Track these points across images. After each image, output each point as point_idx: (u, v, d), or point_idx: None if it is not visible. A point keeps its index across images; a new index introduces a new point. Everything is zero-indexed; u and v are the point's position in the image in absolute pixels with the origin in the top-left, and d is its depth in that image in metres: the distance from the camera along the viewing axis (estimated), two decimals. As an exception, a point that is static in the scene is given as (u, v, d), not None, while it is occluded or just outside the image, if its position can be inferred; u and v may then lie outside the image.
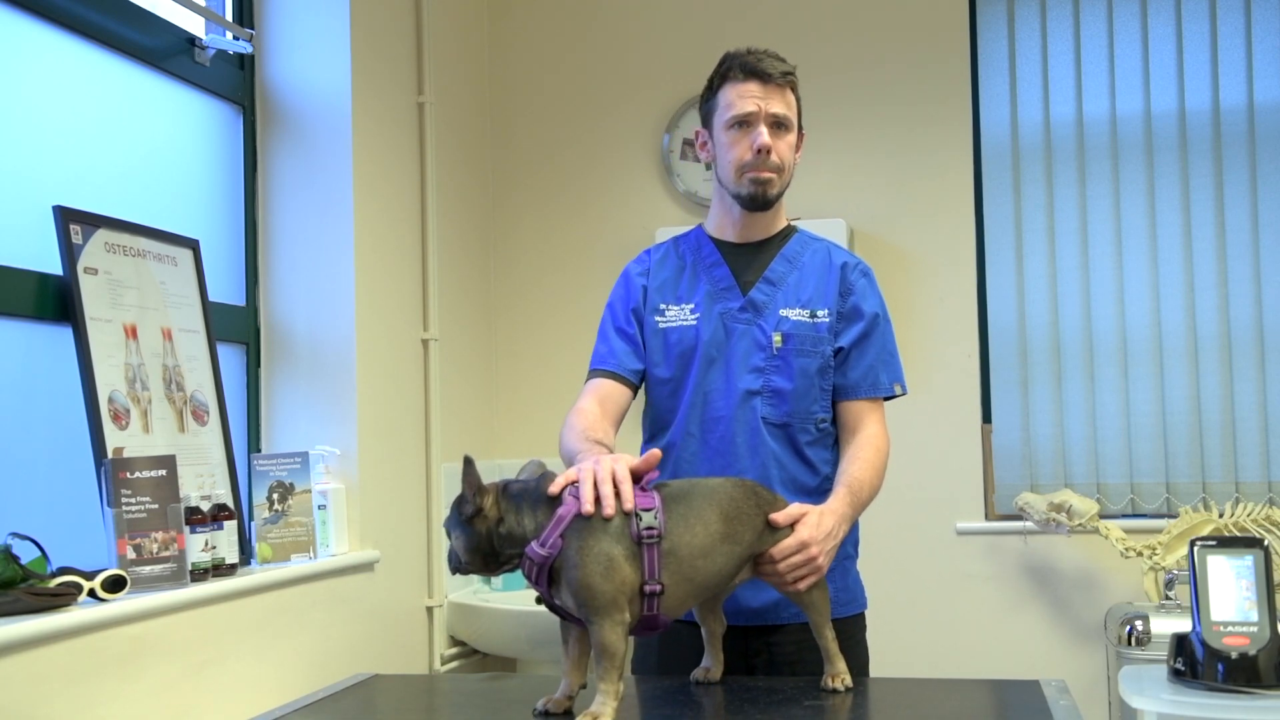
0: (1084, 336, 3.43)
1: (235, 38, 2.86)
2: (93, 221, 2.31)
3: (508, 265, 3.80)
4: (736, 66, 2.08)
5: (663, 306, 2.14)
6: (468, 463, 1.67)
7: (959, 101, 3.54)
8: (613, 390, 2.10)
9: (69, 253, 2.24)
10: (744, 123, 2.06)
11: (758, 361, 2.07)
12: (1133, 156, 3.43)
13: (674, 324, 2.12)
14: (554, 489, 1.69)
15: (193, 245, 2.61)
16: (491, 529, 1.67)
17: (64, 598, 1.93)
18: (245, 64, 2.92)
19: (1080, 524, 3.19)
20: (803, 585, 1.81)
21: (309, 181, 2.93)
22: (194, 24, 2.77)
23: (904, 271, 3.54)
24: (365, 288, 2.94)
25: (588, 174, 3.76)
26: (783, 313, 2.08)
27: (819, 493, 2.04)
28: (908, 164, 3.56)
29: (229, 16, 2.90)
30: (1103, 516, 3.26)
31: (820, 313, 2.09)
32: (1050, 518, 3.21)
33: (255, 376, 2.90)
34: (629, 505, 1.66)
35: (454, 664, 3.28)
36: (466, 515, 1.68)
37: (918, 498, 3.46)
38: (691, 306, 2.12)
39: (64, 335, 2.24)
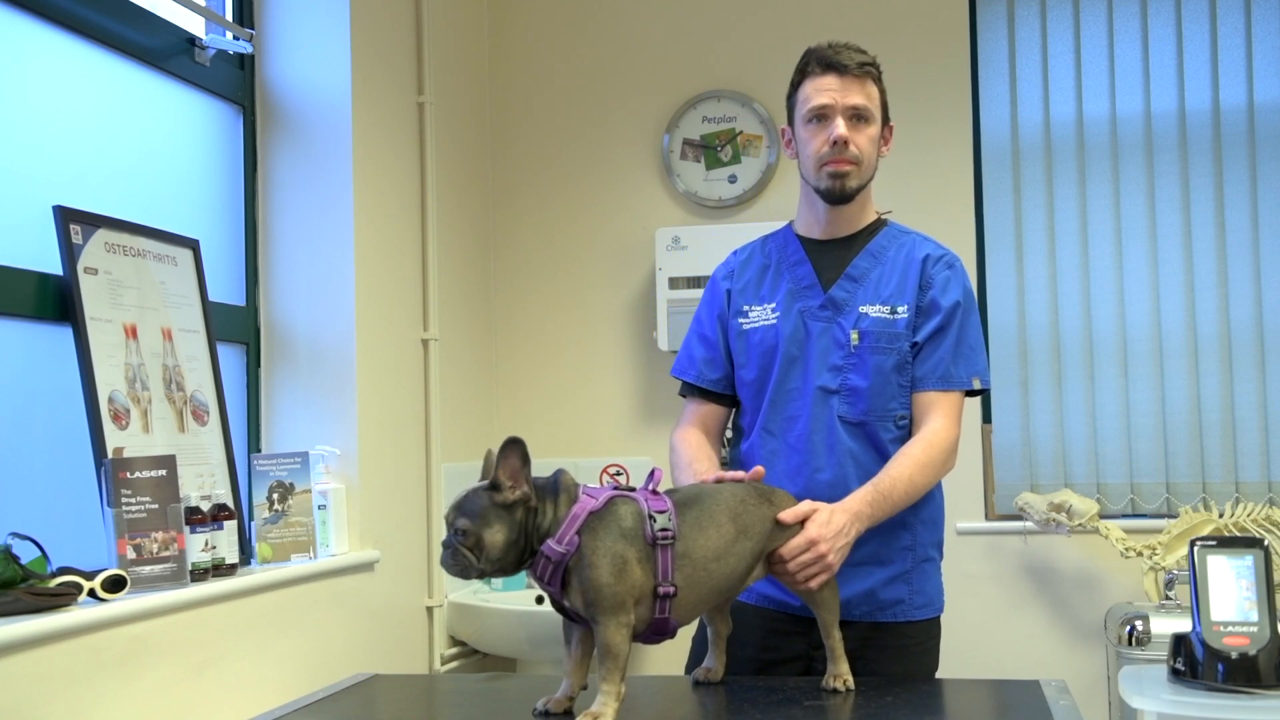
0: (1084, 336, 3.43)
1: (235, 38, 2.86)
2: (93, 221, 2.31)
3: (508, 265, 3.80)
4: (814, 60, 2.07)
5: (746, 308, 2.15)
6: (515, 443, 1.64)
7: (959, 101, 3.54)
8: (706, 409, 2.18)
9: (69, 253, 2.24)
10: (821, 116, 2.05)
11: (836, 360, 2.06)
12: (1133, 156, 3.43)
13: (756, 324, 2.12)
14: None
15: (193, 245, 2.61)
16: (527, 519, 1.66)
17: (64, 598, 1.93)
18: (245, 64, 2.92)
19: (1080, 524, 3.19)
20: (814, 584, 1.81)
21: (309, 181, 2.93)
22: (194, 24, 2.77)
23: (904, 271, 3.53)
24: (365, 288, 2.94)
25: (588, 174, 3.76)
26: (862, 310, 2.07)
27: None
28: (908, 164, 3.56)
29: (229, 16, 2.90)
30: (1103, 516, 3.26)
31: (900, 309, 2.06)
32: (1050, 518, 3.21)
33: (255, 376, 2.90)
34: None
35: (454, 664, 3.28)
36: (508, 501, 1.64)
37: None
38: (773, 306, 2.12)
39: (64, 335, 2.23)
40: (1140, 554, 3.12)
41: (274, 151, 2.95)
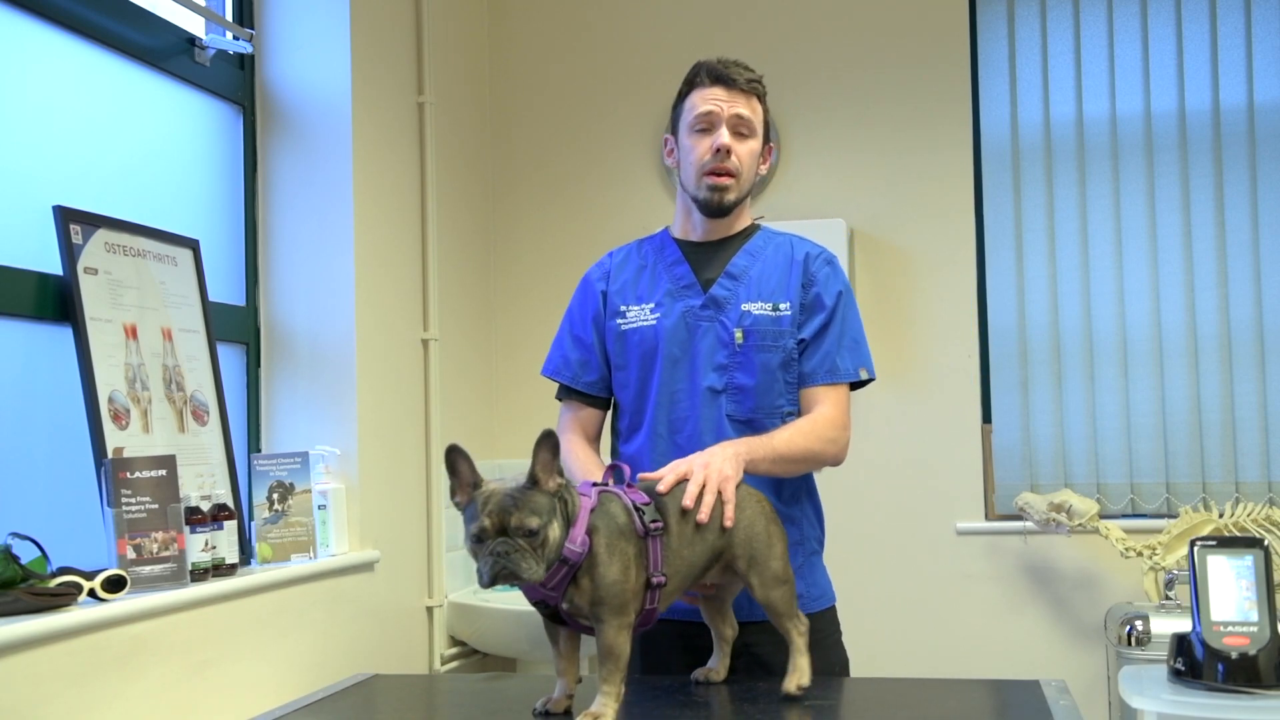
0: (1084, 336, 3.43)
1: (235, 38, 2.86)
2: (93, 221, 2.31)
3: (508, 265, 3.80)
4: (704, 72, 2.12)
5: (623, 309, 2.15)
6: (549, 436, 1.62)
7: (959, 102, 3.54)
8: (584, 413, 2.19)
9: (69, 253, 2.24)
10: (707, 124, 2.09)
11: (721, 359, 2.08)
12: (1133, 156, 3.43)
13: (635, 324, 2.13)
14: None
15: (193, 245, 2.61)
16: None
17: (64, 598, 1.93)
18: (245, 64, 2.92)
19: (1080, 524, 3.19)
20: (728, 517, 1.77)
21: (309, 181, 2.93)
22: (194, 24, 2.77)
23: (904, 271, 3.54)
24: (365, 288, 2.94)
25: (588, 174, 3.76)
26: (745, 307, 2.09)
27: (788, 488, 2.06)
28: (908, 164, 3.56)
29: (229, 16, 2.90)
30: (1103, 516, 3.26)
31: (783, 305, 2.09)
32: (1050, 518, 3.21)
33: (255, 376, 2.90)
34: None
35: (454, 664, 3.28)
36: (551, 494, 1.62)
37: (918, 498, 3.46)
38: (652, 306, 2.13)
39: (64, 335, 2.23)
40: (1140, 554, 3.12)
41: (274, 151, 2.95)
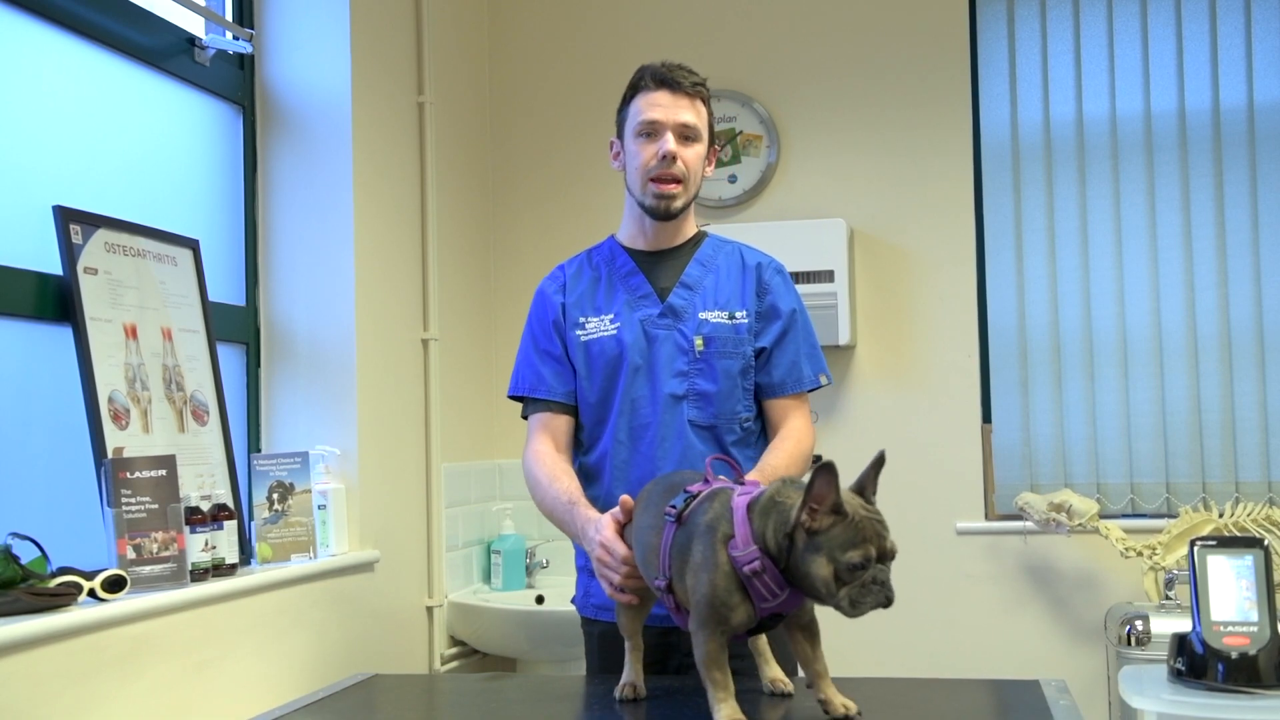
0: (1084, 336, 3.43)
1: (235, 38, 2.86)
2: (93, 221, 2.31)
3: (508, 265, 3.80)
4: (649, 76, 2.13)
5: (582, 320, 2.16)
6: (882, 454, 1.57)
7: (959, 102, 3.54)
8: (556, 421, 2.16)
9: (69, 253, 2.24)
10: (652, 131, 2.11)
11: (681, 365, 2.10)
12: (1133, 156, 3.43)
13: (595, 335, 2.14)
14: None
15: (193, 245, 2.61)
16: None
17: (64, 598, 1.93)
18: (245, 64, 2.92)
19: (1080, 524, 3.19)
20: None
21: (309, 181, 2.93)
22: (194, 24, 2.77)
23: (904, 271, 3.54)
24: (365, 288, 2.94)
25: (588, 174, 3.76)
26: (702, 316, 2.11)
27: None
28: (908, 164, 3.56)
29: (229, 16, 2.90)
30: (1103, 516, 3.26)
31: (739, 314, 2.12)
32: (1050, 518, 3.21)
33: (255, 376, 2.90)
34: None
35: (454, 664, 3.28)
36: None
37: (918, 498, 3.46)
38: (611, 316, 2.14)
39: (64, 335, 2.24)
40: (1140, 554, 3.12)
41: (274, 151, 2.96)
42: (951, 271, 3.52)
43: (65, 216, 2.25)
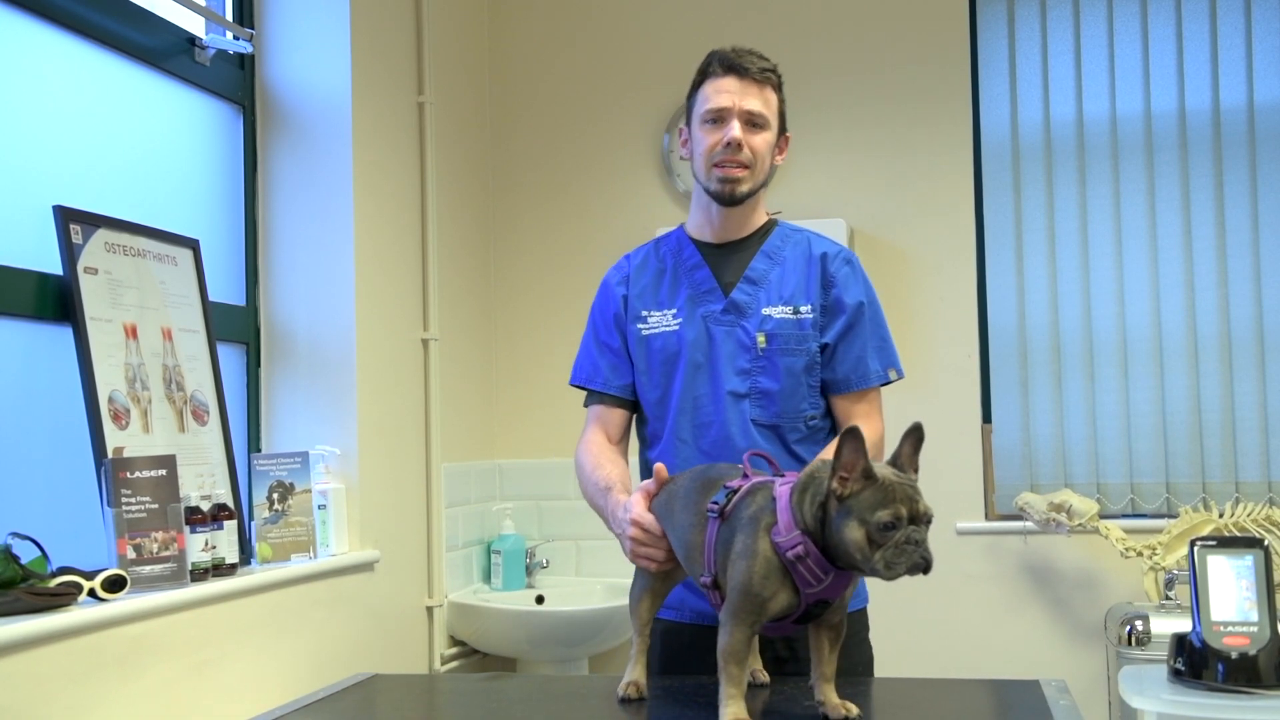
0: (1084, 336, 3.43)
1: (235, 37, 2.86)
2: (93, 221, 2.31)
3: (508, 265, 3.80)
4: (717, 62, 2.07)
5: (645, 314, 2.12)
6: (920, 428, 1.59)
7: (959, 101, 3.54)
8: (611, 414, 2.13)
9: (69, 252, 2.24)
10: (718, 118, 2.04)
11: (743, 363, 2.05)
12: (1133, 156, 3.43)
13: (657, 330, 2.10)
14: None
15: (193, 245, 2.61)
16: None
17: (64, 598, 1.93)
18: (245, 64, 2.92)
19: (1080, 524, 3.19)
20: None
21: (309, 181, 2.93)
22: (194, 24, 2.77)
23: (904, 271, 3.54)
24: (365, 288, 2.94)
25: (588, 174, 3.76)
26: (765, 311, 2.06)
27: None
28: (908, 164, 3.56)
29: (229, 16, 2.90)
30: (1103, 516, 3.26)
31: (804, 308, 2.06)
32: (1050, 518, 3.21)
33: (255, 376, 2.90)
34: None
35: (454, 664, 3.28)
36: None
37: (918, 498, 3.46)
38: (674, 311, 2.10)
39: (64, 335, 2.24)
40: (1140, 554, 3.12)
41: (274, 151, 2.96)
42: (951, 271, 3.52)
43: (65, 216, 2.25)
